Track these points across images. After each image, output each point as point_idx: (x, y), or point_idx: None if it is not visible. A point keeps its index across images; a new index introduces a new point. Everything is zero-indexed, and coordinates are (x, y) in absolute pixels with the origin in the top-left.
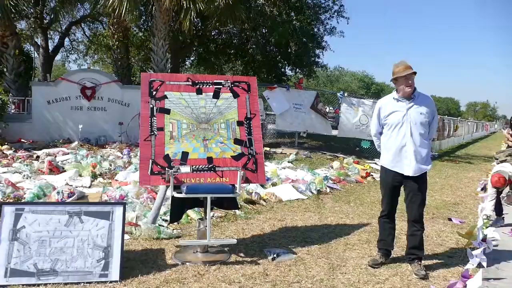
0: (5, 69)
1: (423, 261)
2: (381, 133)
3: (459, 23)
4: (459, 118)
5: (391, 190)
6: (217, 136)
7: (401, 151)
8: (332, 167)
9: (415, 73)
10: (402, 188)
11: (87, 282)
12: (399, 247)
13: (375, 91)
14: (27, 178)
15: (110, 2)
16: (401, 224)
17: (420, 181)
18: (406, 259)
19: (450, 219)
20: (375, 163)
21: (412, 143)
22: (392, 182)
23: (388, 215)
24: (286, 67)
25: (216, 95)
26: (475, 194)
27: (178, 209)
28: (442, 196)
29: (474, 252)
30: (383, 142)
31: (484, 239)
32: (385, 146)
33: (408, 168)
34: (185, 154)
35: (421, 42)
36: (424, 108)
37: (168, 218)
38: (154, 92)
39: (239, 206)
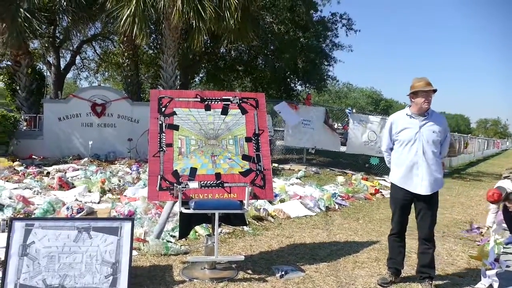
0: (17, 87)
1: (433, 281)
2: (391, 149)
3: (469, 40)
4: (469, 135)
5: (401, 208)
6: (225, 152)
7: (412, 169)
8: (341, 184)
9: (435, 90)
10: (412, 206)
11: None
12: (409, 266)
13: (383, 107)
14: (37, 194)
15: (123, 22)
16: (411, 242)
17: (431, 199)
18: (416, 278)
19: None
20: (384, 179)
21: (425, 161)
22: (403, 200)
23: (398, 233)
24: (296, 82)
25: (225, 112)
26: (485, 212)
27: (186, 225)
28: (453, 214)
29: (488, 273)
30: (393, 158)
31: (497, 259)
32: (395, 162)
33: (420, 186)
34: (193, 170)
35: (431, 58)
36: (437, 127)
37: (176, 234)
38: (163, 109)
39: (247, 222)
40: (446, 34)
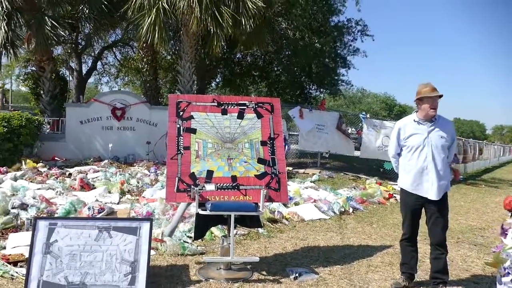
0: (41, 92)
1: (448, 286)
2: (399, 155)
3: (484, 44)
4: (484, 141)
5: (412, 213)
6: (241, 155)
7: (422, 174)
8: (354, 188)
9: (441, 96)
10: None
11: None
12: (423, 271)
13: (397, 112)
14: (59, 195)
15: (144, 31)
16: (425, 248)
17: (441, 203)
18: (430, 283)
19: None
20: (399, 186)
21: (434, 166)
22: (414, 205)
23: (409, 238)
24: (311, 87)
25: (241, 116)
26: (502, 219)
27: (202, 226)
28: (468, 220)
29: (504, 279)
30: (402, 164)
31: None
32: (404, 168)
33: (431, 191)
34: (210, 173)
35: (446, 64)
36: (445, 132)
37: (192, 235)
38: (181, 113)
39: (262, 224)
40: (460, 37)
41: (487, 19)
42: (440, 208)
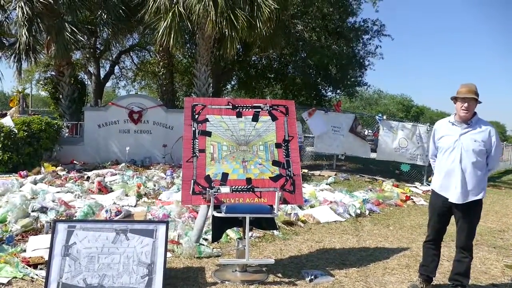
0: (60, 96)
1: None
2: (436, 156)
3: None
4: (504, 142)
5: (438, 215)
6: (256, 157)
7: (449, 176)
8: (371, 190)
9: (476, 100)
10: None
11: None
12: (441, 274)
13: (414, 114)
14: (78, 198)
15: (160, 34)
16: (444, 250)
17: (469, 209)
18: (449, 285)
19: None
20: (416, 186)
21: (460, 169)
22: (441, 207)
23: (433, 240)
24: (327, 89)
25: (255, 118)
26: None
27: (218, 228)
28: (487, 222)
29: None
30: (436, 165)
31: None
32: (436, 169)
33: (454, 194)
34: (225, 175)
35: (465, 65)
36: (480, 136)
37: (208, 237)
38: (197, 116)
39: (277, 226)
40: (480, 36)
41: (507, 16)
42: (466, 214)
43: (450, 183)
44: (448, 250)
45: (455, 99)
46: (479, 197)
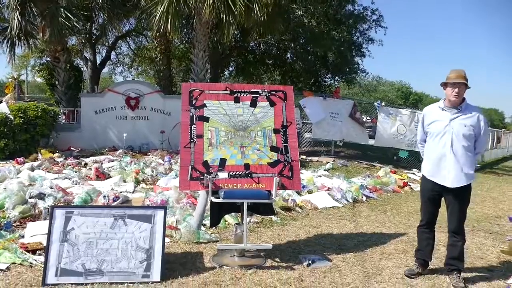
0: (56, 82)
1: (462, 274)
2: (425, 141)
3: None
4: (503, 129)
5: (429, 200)
6: (254, 143)
7: (440, 161)
8: (368, 176)
9: (465, 85)
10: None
11: (130, 282)
12: (437, 259)
13: (413, 101)
14: (76, 184)
15: (157, 19)
16: (440, 236)
17: (460, 193)
18: (444, 270)
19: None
20: (413, 173)
21: (452, 154)
22: (431, 192)
23: (426, 224)
24: (326, 75)
25: (253, 104)
26: None
27: (216, 214)
28: (484, 209)
29: None
30: (425, 150)
31: None
32: (426, 154)
33: (447, 179)
34: (223, 161)
35: (465, 52)
36: (469, 121)
37: (206, 222)
38: (194, 101)
39: (275, 212)
40: (479, 24)
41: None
42: (458, 197)
43: (441, 168)
44: (445, 236)
45: (445, 84)
46: (471, 180)
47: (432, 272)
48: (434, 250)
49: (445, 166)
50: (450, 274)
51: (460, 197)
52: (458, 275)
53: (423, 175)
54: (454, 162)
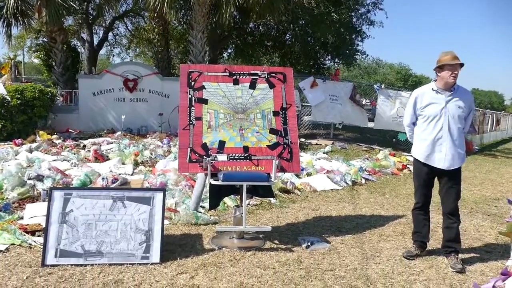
0: (53, 63)
1: (460, 255)
2: (414, 124)
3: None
4: (502, 112)
5: (424, 182)
6: (253, 125)
7: (435, 144)
8: (367, 159)
9: (462, 65)
10: (436, 180)
11: (130, 264)
12: (435, 240)
13: (412, 83)
14: (74, 166)
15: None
16: (438, 218)
17: (454, 174)
18: (442, 252)
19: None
20: (412, 156)
21: (449, 136)
22: (426, 175)
23: (421, 207)
24: (325, 57)
25: (253, 86)
26: None
27: (215, 196)
28: (482, 191)
29: None
30: (416, 133)
31: None
32: (418, 137)
33: (443, 161)
34: (222, 143)
35: (463, 36)
36: (462, 102)
37: (205, 205)
38: (193, 83)
39: (274, 194)
40: (479, 6)
41: None
42: (452, 178)
43: (436, 151)
44: (441, 218)
45: (441, 67)
46: (463, 161)
47: (430, 253)
48: (431, 232)
49: (440, 148)
50: (448, 255)
51: (455, 177)
52: (456, 256)
53: (415, 158)
54: (451, 144)
